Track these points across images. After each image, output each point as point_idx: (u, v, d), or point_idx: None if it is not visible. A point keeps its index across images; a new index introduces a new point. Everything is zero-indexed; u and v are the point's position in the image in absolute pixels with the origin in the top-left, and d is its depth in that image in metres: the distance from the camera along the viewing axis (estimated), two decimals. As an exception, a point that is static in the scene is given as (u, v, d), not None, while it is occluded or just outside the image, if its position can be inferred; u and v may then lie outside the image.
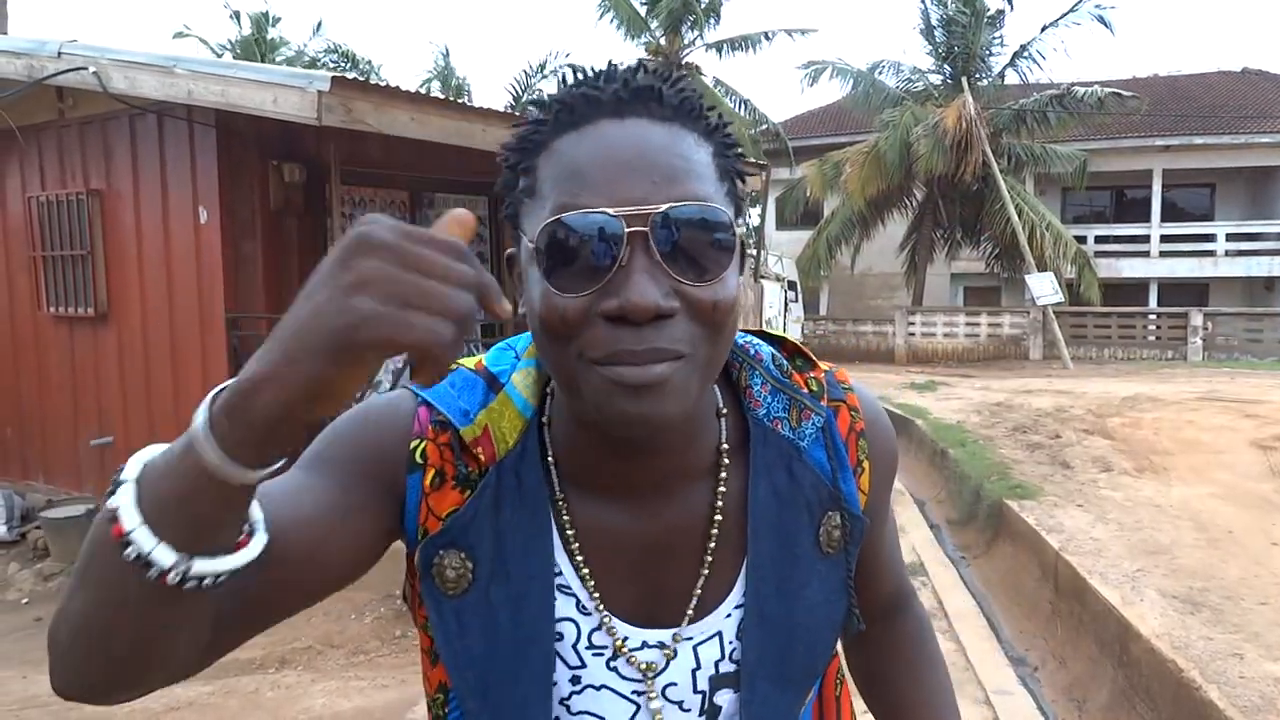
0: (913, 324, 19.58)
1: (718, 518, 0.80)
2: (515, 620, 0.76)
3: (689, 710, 0.80)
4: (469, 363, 0.82)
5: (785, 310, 16.77)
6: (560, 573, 0.78)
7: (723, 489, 0.81)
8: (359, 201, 6.63)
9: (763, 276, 14.38)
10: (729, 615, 0.81)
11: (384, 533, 0.77)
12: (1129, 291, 20.99)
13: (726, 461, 0.81)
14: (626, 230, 0.65)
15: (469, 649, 0.76)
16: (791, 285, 18.14)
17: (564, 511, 0.79)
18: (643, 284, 0.65)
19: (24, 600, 5.81)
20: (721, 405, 0.82)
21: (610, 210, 0.65)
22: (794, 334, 17.08)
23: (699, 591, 0.80)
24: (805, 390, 0.84)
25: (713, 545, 0.80)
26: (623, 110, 0.70)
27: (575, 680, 0.78)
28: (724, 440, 0.81)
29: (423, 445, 0.77)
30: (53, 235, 6.46)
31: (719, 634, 0.80)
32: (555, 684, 0.78)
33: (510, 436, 0.78)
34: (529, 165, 0.71)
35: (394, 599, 4.72)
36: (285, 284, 5.89)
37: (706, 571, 0.80)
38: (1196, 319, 18.21)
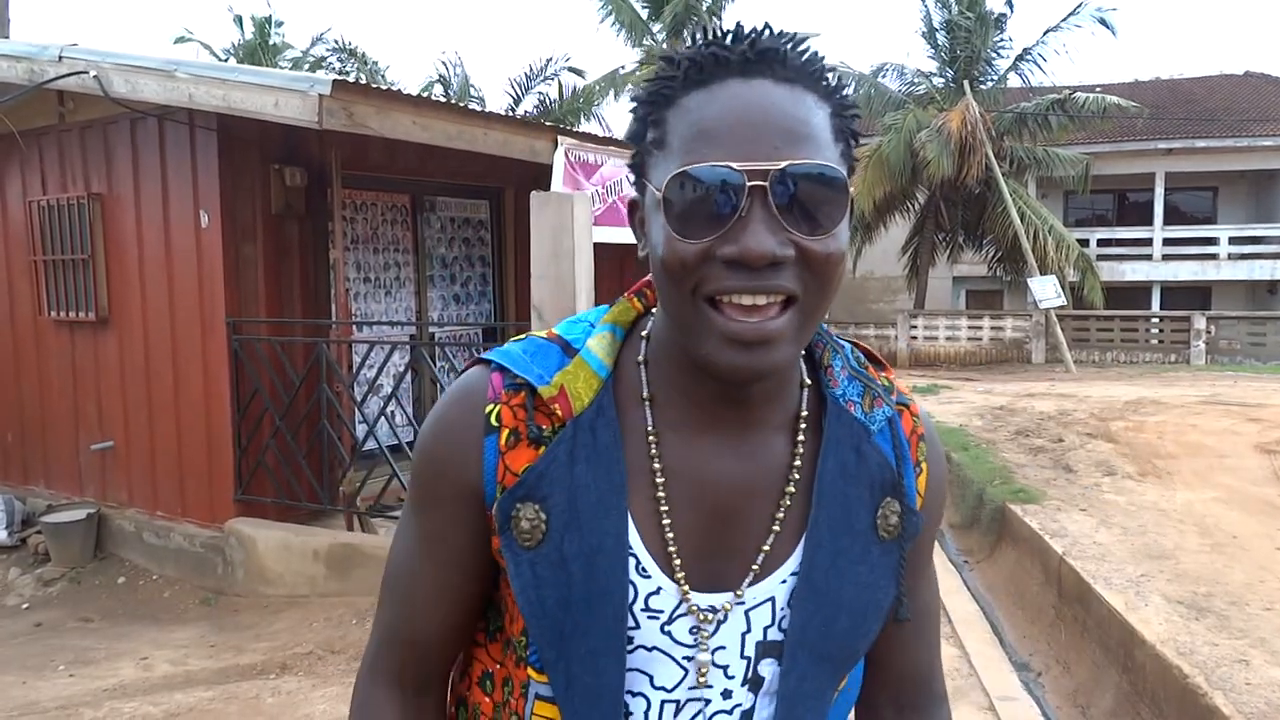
0: (915, 327, 19.56)
1: (791, 484, 0.83)
2: (588, 573, 0.78)
3: (733, 677, 0.82)
4: (540, 333, 0.87)
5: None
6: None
7: (799, 455, 0.84)
8: (360, 205, 6.62)
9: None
10: (784, 581, 0.83)
11: (487, 540, 0.84)
12: (1131, 295, 20.97)
13: (804, 428, 0.84)
14: (748, 184, 0.70)
15: (543, 600, 0.79)
16: (793, 289, 18.10)
17: (652, 448, 0.81)
18: (760, 233, 0.70)
19: (24, 605, 5.79)
20: (805, 377, 0.87)
21: (734, 165, 0.70)
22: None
23: (767, 548, 0.81)
24: (879, 382, 0.88)
25: (785, 506, 0.82)
26: (749, 71, 0.74)
27: (629, 640, 0.80)
28: (804, 407, 0.85)
29: (497, 409, 0.82)
30: (53, 239, 6.45)
31: (771, 599, 0.82)
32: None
33: (586, 395, 0.81)
34: (659, 118, 0.76)
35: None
36: (286, 288, 5.88)
37: (777, 529, 0.82)
38: (1199, 322, 18.18)
